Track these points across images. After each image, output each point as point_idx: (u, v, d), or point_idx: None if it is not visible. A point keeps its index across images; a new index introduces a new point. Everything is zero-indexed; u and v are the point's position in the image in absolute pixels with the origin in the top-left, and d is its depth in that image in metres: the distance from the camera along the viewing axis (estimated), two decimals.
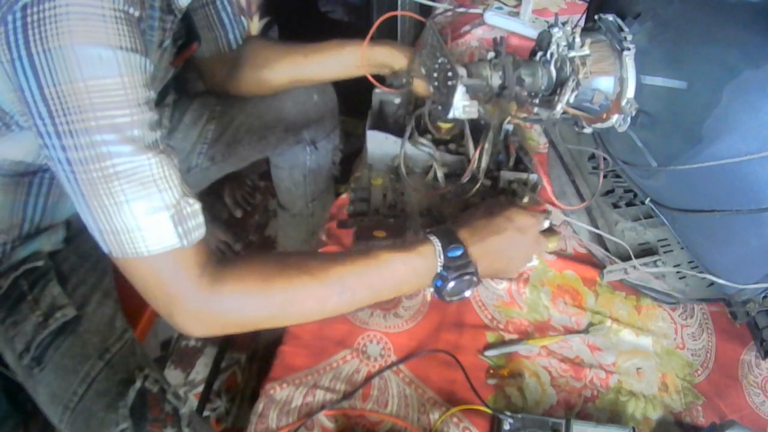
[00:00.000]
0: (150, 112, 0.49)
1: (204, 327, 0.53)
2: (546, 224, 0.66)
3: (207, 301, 0.51)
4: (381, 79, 0.79)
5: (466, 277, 0.58)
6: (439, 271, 0.58)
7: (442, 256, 0.57)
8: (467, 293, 0.59)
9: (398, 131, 0.77)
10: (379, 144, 0.76)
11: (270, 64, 0.83)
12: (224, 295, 0.51)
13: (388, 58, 0.78)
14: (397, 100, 0.80)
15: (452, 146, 0.78)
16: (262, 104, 0.94)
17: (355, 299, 0.56)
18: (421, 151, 0.76)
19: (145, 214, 0.47)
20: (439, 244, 0.58)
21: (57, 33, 0.43)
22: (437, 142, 0.78)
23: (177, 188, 0.49)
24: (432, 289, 0.59)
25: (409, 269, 0.57)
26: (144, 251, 0.48)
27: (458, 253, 0.58)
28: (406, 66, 0.77)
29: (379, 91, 0.80)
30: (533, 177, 0.76)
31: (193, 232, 0.50)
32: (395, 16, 1.34)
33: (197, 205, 0.51)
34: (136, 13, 0.47)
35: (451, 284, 0.57)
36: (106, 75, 0.45)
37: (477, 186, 0.74)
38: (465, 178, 0.73)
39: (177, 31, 0.70)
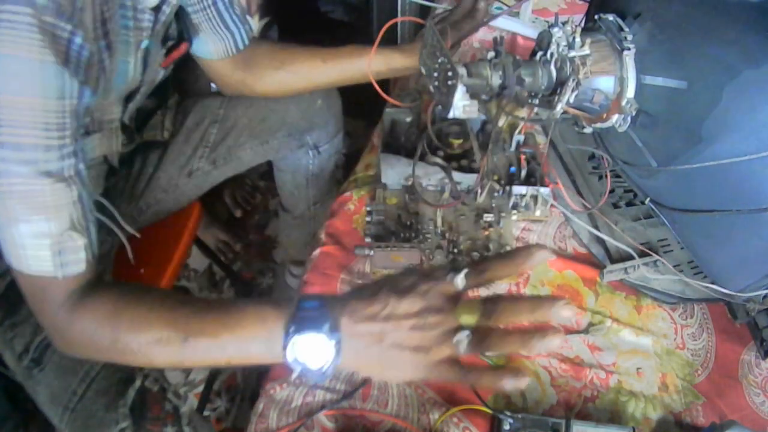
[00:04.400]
0: (60, 139, 0.49)
1: (66, 348, 0.56)
2: (458, 282, 0.46)
3: (64, 328, 0.54)
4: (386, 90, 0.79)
5: (320, 338, 0.45)
6: (287, 320, 0.47)
7: (294, 307, 0.47)
8: (326, 370, 0.45)
9: (410, 149, 0.77)
10: (392, 165, 0.76)
11: (287, 66, 0.84)
12: (76, 323, 0.53)
13: (404, 61, 0.79)
14: (408, 119, 0.79)
15: (464, 162, 0.78)
16: (266, 108, 0.94)
17: (197, 350, 0.49)
18: (434, 168, 0.76)
19: (30, 237, 0.50)
20: (298, 297, 0.49)
21: None
22: (449, 158, 0.77)
23: (65, 220, 0.51)
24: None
25: (255, 314, 0.48)
26: (24, 268, 0.51)
27: (313, 304, 0.47)
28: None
29: (390, 110, 0.79)
30: (544, 191, 0.76)
31: (70, 265, 0.52)
32: (396, 17, 1.34)
33: (81, 242, 0.52)
34: (67, 28, 0.47)
35: (296, 342, 0.45)
36: (19, 92, 0.46)
37: (487, 187, 0.74)
38: (476, 187, 0.73)
39: (166, 32, 0.70)
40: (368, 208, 0.76)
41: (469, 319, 0.46)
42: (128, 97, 0.69)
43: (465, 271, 0.46)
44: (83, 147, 0.66)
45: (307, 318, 0.46)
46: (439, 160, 0.75)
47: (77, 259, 0.52)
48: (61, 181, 0.50)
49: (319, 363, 0.45)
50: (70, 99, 0.49)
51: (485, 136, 0.76)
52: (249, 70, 0.83)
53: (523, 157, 0.78)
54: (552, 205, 0.76)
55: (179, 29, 0.73)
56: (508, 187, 0.76)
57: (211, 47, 0.79)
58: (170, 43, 0.71)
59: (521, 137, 0.80)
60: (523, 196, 0.76)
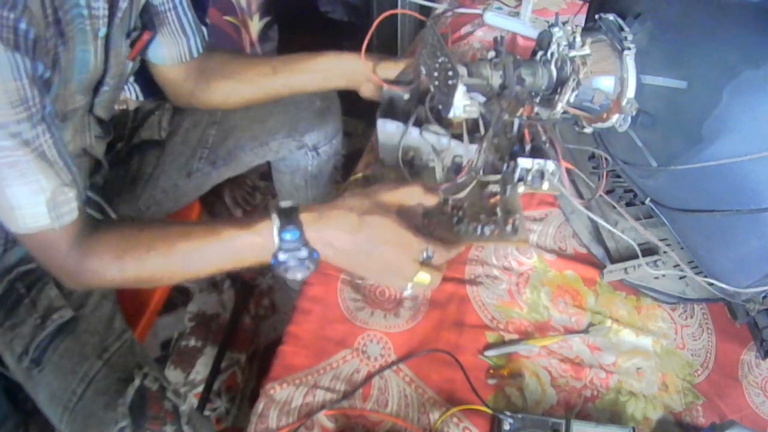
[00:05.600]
0: (26, 111, 0.52)
1: (79, 286, 0.66)
2: (423, 255, 0.62)
3: (75, 270, 0.60)
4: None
5: (300, 260, 0.59)
6: (275, 250, 0.58)
7: (278, 237, 0.58)
8: (299, 276, 0.60)
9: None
10: (390, 135, 0.74)
11: (237, 75, 0.83)
12: (86, 266, 0.60)
13: (354, 66, 0.79)
14: (406, 96, 0.79)
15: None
16: (264, 110, 0.94)
17: (199, 272, 0.61)
18: (434, 138, 0.73)
19: (24, 198, 0.55)
20: (277, 224, 0.58)
21: None
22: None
23: (54, 178, 0.56)
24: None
25: (246, 246, 0.59)
26: (22, 228, 0.56)
27: (292, 236, 0.58)
28: (368, 76, 0.79)
29: (387, 88, 0.79)
30: (551, 164, 0.70)
31: (65, 216, 0.57)
32: (396, 16, 1.34)
33: (72, 193, 0.58)
34: (11, 17, 0.49)
35: (283, 265, 0.59)
36: None
37: (472, 184, 0.72)
38: (460, 178, 0.72)
39: (132, 25, 0.70)
40: (361, 177, 0.74)
41: (423, 276, 0.62)
42: (96, 88, 0.70)
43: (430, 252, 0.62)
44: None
45: (290, 249, 0.58)
46: (438, 128, 0.73)
47: (71, 209, 0.58)
48: (38, 147, 0.54)
49: (302, 273, 0.59)
50: (27, 75, 0.52)
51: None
52: (199, 81, 0.83)
53: (527, 132, 0.73)
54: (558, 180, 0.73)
55: (144, 21, 0.73)
56: (512, 162, 0.71)
57: (164, 51, 0.79)
58: (134, 34, 0.71)
59: (523, 118, 0.77)
60: (528, 170, 0.71)
